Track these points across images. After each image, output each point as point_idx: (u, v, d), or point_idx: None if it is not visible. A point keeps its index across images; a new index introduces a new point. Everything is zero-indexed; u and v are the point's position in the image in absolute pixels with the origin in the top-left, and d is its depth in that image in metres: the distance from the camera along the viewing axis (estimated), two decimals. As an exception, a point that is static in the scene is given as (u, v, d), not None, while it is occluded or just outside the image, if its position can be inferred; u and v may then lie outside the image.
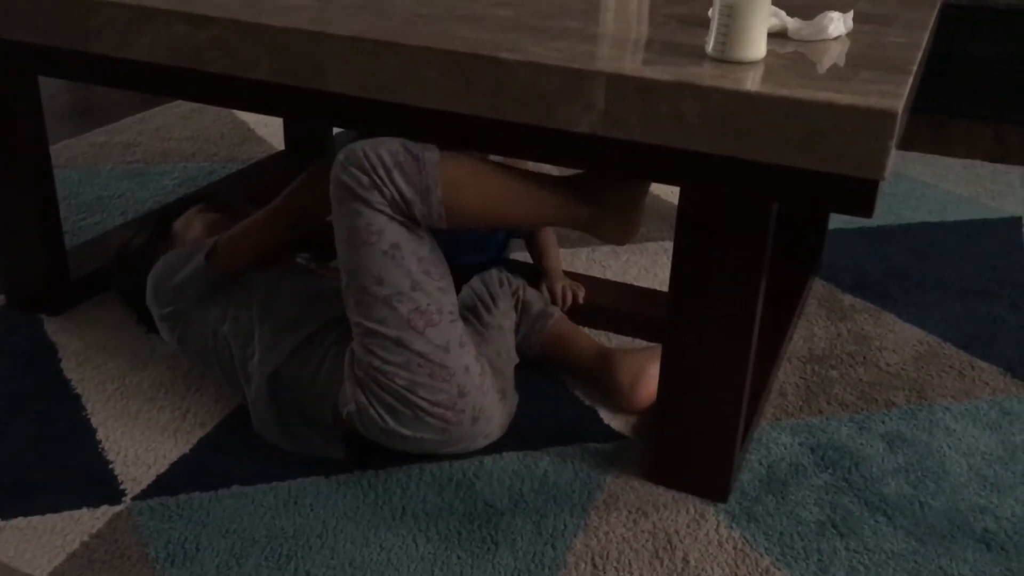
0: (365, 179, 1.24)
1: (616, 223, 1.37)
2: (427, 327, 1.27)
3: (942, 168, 2.55)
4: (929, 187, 2.42)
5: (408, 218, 1.27)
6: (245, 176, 2.33)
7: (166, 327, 1.48)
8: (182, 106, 2.83)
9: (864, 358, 1.67)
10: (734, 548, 1.24)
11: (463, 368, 1.30)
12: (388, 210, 1.25)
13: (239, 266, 1.44)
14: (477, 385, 1.32)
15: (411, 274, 1.27)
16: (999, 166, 2.58)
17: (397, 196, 1.25)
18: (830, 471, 1.39)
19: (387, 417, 1.29)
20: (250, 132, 2.66)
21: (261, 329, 1.38)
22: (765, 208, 1.17)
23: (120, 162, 2.43)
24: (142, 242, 1.65)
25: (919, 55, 1.23)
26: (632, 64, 1.14)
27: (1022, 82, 2.96)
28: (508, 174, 1.32)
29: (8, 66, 1.56)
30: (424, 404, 1.28)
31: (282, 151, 2.48)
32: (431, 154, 1.27)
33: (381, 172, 1.24)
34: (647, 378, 1.49)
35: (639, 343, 1.68)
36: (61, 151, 2.47)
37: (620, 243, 1.40)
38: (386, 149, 1.25)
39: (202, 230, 1.60)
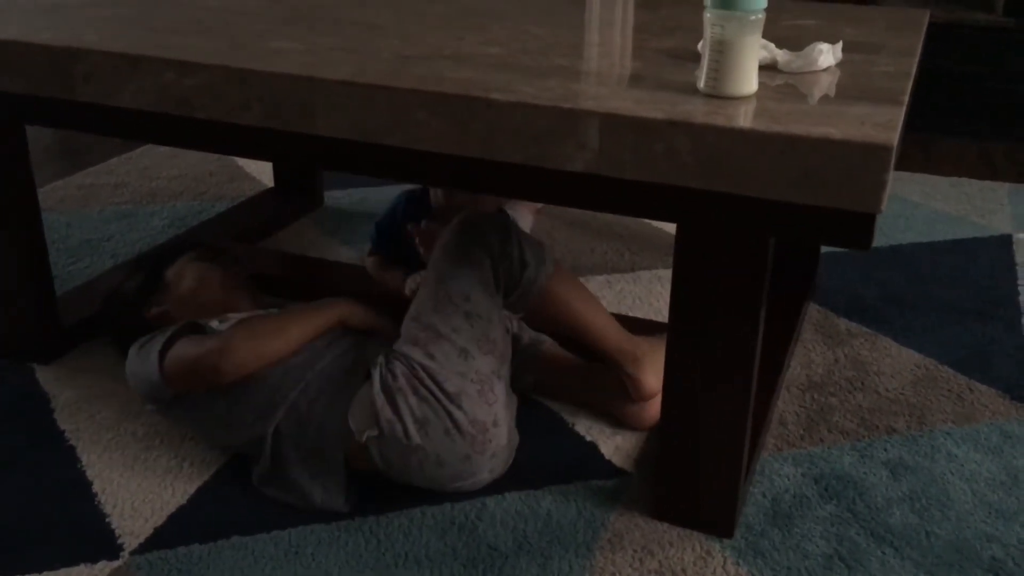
0: (495, 238, 1.39)
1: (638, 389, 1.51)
2: (488, 353, 1.36)
3: (929, 187, 2.56)
4: (918, 207, 2.43)
5: (510, 279, 1.41)
6: (235, 214, 2.32)
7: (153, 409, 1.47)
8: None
9: (863, 384, 1.67)
10: (742, 585, 1.23)
11: (503, 401, 1.38)
12: (500, 266, 1.40)
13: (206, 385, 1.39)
14: (506, 421, 1.37)
15: (494, 308, 1.39)
16: (986, 183, 2.59)
17: (517, 254, 1.40)
18: (834, 502, 1.38)
19: (415, 432, 1.30)
20: (238, 169, 2.65)
21: (261, 391, 1.37)
22: (762, 242, 1.17)
23: (108, 203, 2.42)
24: (134, 289, 1.63)
25: (909, 84, 1.24)
26: (624, 103, 1.14)
27: (1005, 99, 2.99)
28: (602, 308, 1.53)
29: (-6, 115, 1.55)
30: (462, 419, 1.31)
31: (271, 188, 2.47)
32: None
33: (514, 237, 1.42)
34: None
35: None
36: (48, 194, 2.46)
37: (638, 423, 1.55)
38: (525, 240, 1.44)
39: (194, 281, 1.59)
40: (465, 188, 1.29)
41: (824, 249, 2.14)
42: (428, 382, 1.32)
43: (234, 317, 1.47)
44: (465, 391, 1.32)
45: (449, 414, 1.31)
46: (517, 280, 1.42)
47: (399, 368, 1.33)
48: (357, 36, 1.43)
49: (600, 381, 1.56)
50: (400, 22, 1.52)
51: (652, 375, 1.50)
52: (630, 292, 1.99)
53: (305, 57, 1.32)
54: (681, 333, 1.25)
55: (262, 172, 2.62)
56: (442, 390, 1.31)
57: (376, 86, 1.22)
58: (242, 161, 2.70)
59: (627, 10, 1.71)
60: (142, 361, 1.40)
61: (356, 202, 2.45)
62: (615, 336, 1.51)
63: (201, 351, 1.36)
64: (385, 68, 1.27)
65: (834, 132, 1.04)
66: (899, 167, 2.70)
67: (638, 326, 1.70)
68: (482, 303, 1.37)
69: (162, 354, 1.37)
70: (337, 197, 2.47)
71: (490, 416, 1.34)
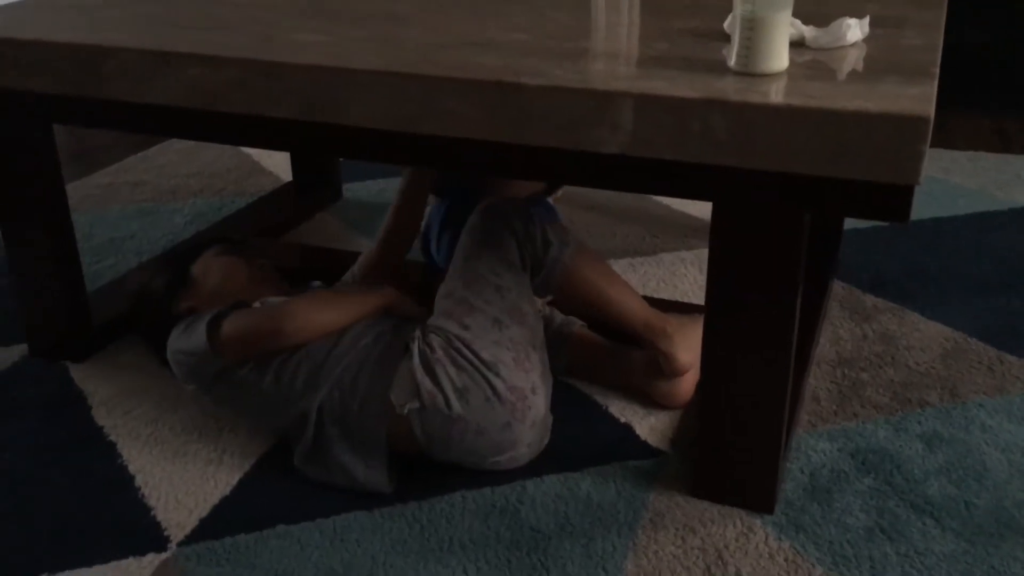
0: (519, 221, 1.44)
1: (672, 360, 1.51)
2: (521, 324, 1.40)
3: (947, 162, 2.56)
4: (937, 181, 2.43)
5: (535, 260, 1.44)
6: (256, 209, 2.33)
7: (194, 390, 1.49)
8: (184, 142, 2.83)
9: (893, 358, 1.67)
10: (785, 560, 1.24)
11: (540, 369, 1.40)
12: (525, 247, 1.44)
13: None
14: (543, 390, 1.40)
15: (523, 283, 1.43)
16: (1003, 157, 2.59)
17: (540, 235, 1.44)
18: (872, 475, 1.39)
19: (455, 402, 1.33)
20: (256, 164, 2.66)
21: (306, 367, 1.39)
22: (798, 218, 1.17)
23: (129, 202, 2.43)
24: (161, 286, 1.64)
25: (938, 57, 1.24)
26: (657, 83, 1.14)
27: (1018, 71, 2.98)
28: (628, 288, 1.56)
29: (24, 115, 1.56)
30: (500, 387, 1.34)
31: (290, 182, 2.48)
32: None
33: (536, 219, 1.45)
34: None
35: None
36: (68, 194, 2.46)
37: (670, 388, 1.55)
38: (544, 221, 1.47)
39: (220, 274, 1.60)
40: (498, 173, 1.30)
41: (846, 226, 2.14)
42: (465, 352, 1.35)
43: (275, 300, 1.49)
44: (501, 359, 1.35)
45: (488, 381, 1.34)
46: (541, 260, 1.44)
47: (436, 341, 1.36)
48: (381, 27, 1.44)
49: (631, 362, 1.57)
50: (421, 12, 1.53)
51: (684, 350, 1.51)
52: (654, 275, 2.00)
53: (333, 49, 1.33)
54: (718, 310, 1.26)
55: (280, 167, 2.62)
56: (479, 358, 1.34)
57: (406, 75, 1.22)
58: (259, 156, 2.71)
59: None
60: (188, 336, 1.43)
61: (375, 194, 2.45)
62: (643, 313, 1.52)
63: (262, 316, 1.42)
64: (413, 57, 1.28)
65: (870, 105, 1.04)
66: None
67: (664, 308, 1.71)
68: (510, 278, 1.42)
69: (211, 327, 1.40)
70: (355, 190, 2.48)
71: (528, 383, 1.37)
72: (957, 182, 2.43)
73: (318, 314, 1.43)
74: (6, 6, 1.67)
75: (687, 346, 1.51)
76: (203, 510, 1.35)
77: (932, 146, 2.64)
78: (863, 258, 2.03)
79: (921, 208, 2.27)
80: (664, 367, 1.52)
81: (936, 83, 1.13)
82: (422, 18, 1.49)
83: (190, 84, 1.33)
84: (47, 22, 1.52)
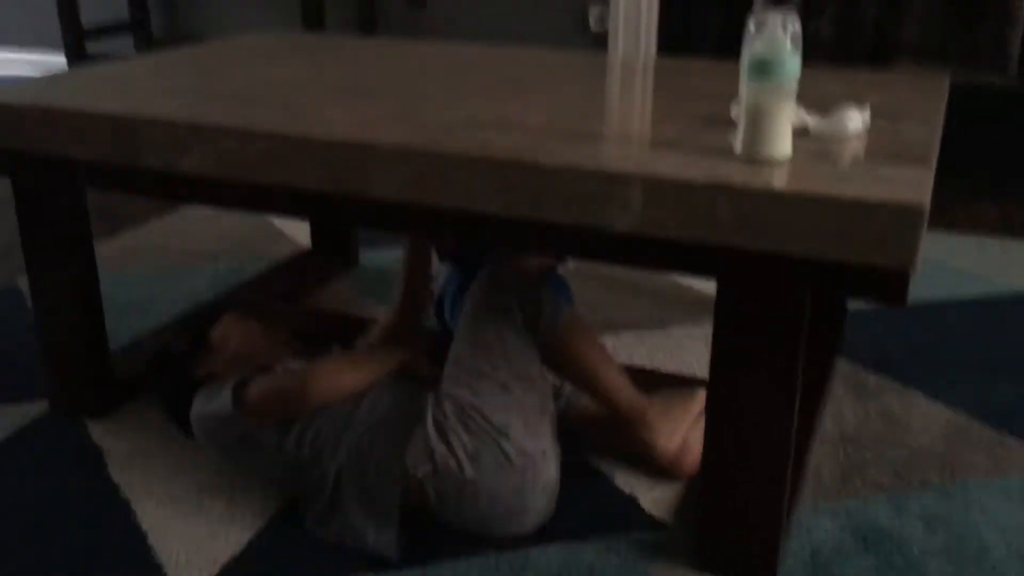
0: (518, 286, 1.48)
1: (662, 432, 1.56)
2: (529, 390, 1.44)
3: (950, 245, 2.61)
4: (940, 264, 2.48)
5: (532, 325, 1.46)
6: (274, 274, 2.39)
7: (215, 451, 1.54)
8: (208, 206, 2.91)
9: (894, 437, 1.70)
10: (785, 634, 1.25)
11: (550, 434, 1.44)
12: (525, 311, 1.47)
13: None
14: (554, 456, 1.43)
15: (529, 347, 1.46)
16: (1006, 241, 2.64)
17: (537, 300, 1.47)
18: (873, 554, 1.41)
19: (468, 466, 1.36)
20: (276, 230, 2.73)
21: (327, 430, 1.44)
22: (800, 298, 1.22)
23: (151, 264, 2.50)
24: (180, 350, 1.68)
25: (936, 148, 1.30)
26: (666, 166, 1.20)
27: (1020, 160, 3.05)
28: (616, 365, 1.57)
29: (59, 180, 1.62)
30: (511, 451, 1.38)
31: (308, 248, 2.54)
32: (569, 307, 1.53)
33: (534, 286, 1.50)
34: (689, 447, 1.55)
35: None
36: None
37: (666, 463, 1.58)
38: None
39: (238, 339, 1.64)
40: (514, 247, 1.35)
41: (851, 305, 2.19)
42: (477, 417, 1.38)
43: (294, 364, 1.54)
44: (512, 423, 1.39)
45: (499, 445, 1.37)
46: (535, 326, 1.47)
47: (448, 406, 1.40)
48: (405, 104, 1.51)
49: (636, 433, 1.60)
50: (444, 91, 1.60)
51: (664, 437, 1.55)
52: (661, 348, 2.04)
53: (358, 124, 1.39)
54: (721, 386, 1.29)
55: (299, 233, 2.69)
56: (490, 423, 1.38)
57: (428, 151, 1.29)
58: (280, 222, 2.78)
59: (647, 77, 1.79)
60: (213, 401, 1.48)
61: (391, 261, 2.51)
62: (626, 395, 1.55)
63: (286, 380, 1.47)
64: (434, 134, 1.34)
65: (869, 194, 1.09)
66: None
67: (669, 382, 1.75)
68: (516, 343, 1.45)
69: (236, 391, 1.45)
70: (372, 256, 2.54)
71: (538, 448, 1.40)
72: (961, 266, 2.47)
73: (340, 376, 1.47)
74: (51, 75, 1.75)
75: (668, 432, 1.55)
76: (213, 568, 1.38)
77: (936, 229, 2.71)
78: (867, 337, 2.07)
79: (925, 290, 2.32)
80: (643, 455, 1.55)
81: (933, 174, 1.19)
82: (445, 97, 1.56)
83: (221, 155, 1.40)
84: (88, 92, 1.60)
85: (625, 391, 1.55)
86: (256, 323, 1.68)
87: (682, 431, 1.57)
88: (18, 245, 2.46)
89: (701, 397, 1.60)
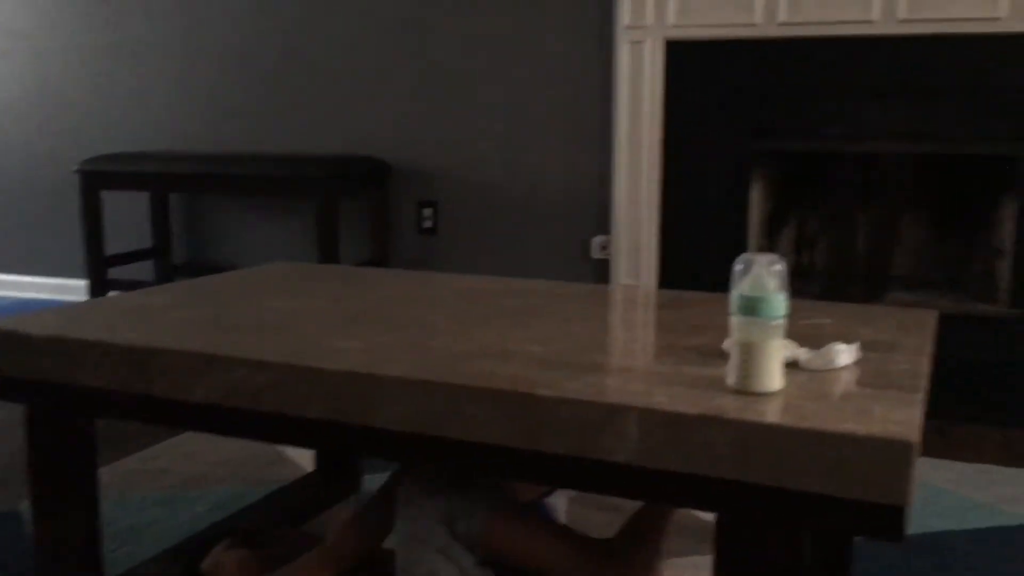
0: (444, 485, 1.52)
1: None
2: None
3: (956, 473, 2.60)
4: (946, 493, 2.46)
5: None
6: (276, 498, 2.38)
7: None
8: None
9: None
10: None
11: None
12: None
13: None
14: None
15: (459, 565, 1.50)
16: (1012, 470, 2.63)
17: (461, 501, 1.52)
18: None
19: None
20: (279, 455, 2.74)
21: None
22: (797, 531, 1.22)
23: (152, 489, 2.49)
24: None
25: (925, 382, 1.34)
26: (660, 398, 1.24)
27: (1020, 387, 3.08)
28: (552, 539, 1.58)
29: (69, 409, 1.66)
30: None
31: (311, 472, 2.54)
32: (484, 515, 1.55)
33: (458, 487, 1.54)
34: None
35: None
36: (95, 479, 2.53)
37: None
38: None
39: (230, 569, 1.63)
40: (514, 477, 1.37)
41: (857, 537, 2.16)
42: None
43: None
44: None
45: None
46: (457, 535, 1.53)
47: None
48: (412, 335, 1.57)
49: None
50: (450, 321, 1.67)
51: (642, 567, 1.53)
52: (666, 580, 2.00)
53: (365, 355, 1.45)
54: (724, 622, 1.27)
55: (302, 457, 2.70)
56: None
57: (431, 382, 1.33)
58: (283, 447, 2.79)
59: (645, 308, 1.86)
60: None
61: (393, 487, 2.50)
62: (574, 560, 1.56)
63: None
64: (438, 364, 1.39)
65: (858, 428, 1.12)
66: (922, 453, 2.75)
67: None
68: (448, 568, 1.49)
69: None
70: (375, 481, 2.53)
71: None
72: (966, 495, 2.45)
73: None
74: (70, 306, 1.83)
75: (644, 561, 1.53)
76: None
77: (940, 458, 2.71)
78: (874, 570, 2.03)
79: (931, 521, 2.29)
80: None
81: (923, 408, 1.22)
82: (450, 328, 1.62)
83: (231, 384, 1.45)
84: (106, 323, 1.66)
85: (571, 558, 1.56)
86: (248, 551, 1.67)
87: (660, 555, 1.56)
88: (19, 469, 2.47)
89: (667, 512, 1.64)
